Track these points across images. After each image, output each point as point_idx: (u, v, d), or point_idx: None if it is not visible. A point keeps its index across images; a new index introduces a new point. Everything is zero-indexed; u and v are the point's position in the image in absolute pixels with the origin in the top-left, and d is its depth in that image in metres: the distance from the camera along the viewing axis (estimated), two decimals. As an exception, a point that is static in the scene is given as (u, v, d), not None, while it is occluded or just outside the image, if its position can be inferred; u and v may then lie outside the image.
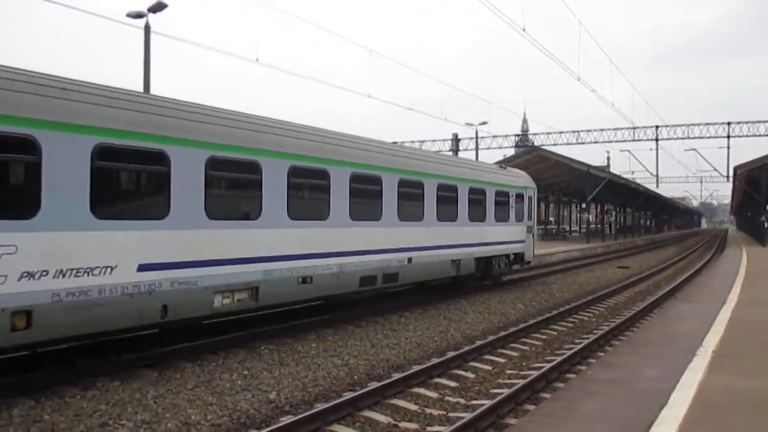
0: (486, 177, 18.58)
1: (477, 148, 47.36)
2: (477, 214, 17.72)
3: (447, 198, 16.30)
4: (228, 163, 10.15)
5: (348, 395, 8.13)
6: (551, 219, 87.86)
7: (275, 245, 10.98)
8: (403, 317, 14.44)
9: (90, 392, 8.20)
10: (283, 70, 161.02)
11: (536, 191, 22.60)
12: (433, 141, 50.65)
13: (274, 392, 8.52)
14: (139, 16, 21.03)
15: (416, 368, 9.59)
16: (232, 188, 10.66)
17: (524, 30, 18.48)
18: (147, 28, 21.13)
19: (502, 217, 19.24)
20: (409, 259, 14.63)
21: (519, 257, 20.89)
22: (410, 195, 14.86)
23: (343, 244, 12.57)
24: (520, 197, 20.65)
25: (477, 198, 17.74)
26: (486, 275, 19.06)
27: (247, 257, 10.40)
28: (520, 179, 21.34)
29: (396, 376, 9.17)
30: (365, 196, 13.46)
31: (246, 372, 9.40)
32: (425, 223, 15.30)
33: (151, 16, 21.09)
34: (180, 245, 9.32)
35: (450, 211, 16.41)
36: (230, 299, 10.13)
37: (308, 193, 12.05)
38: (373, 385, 8.68)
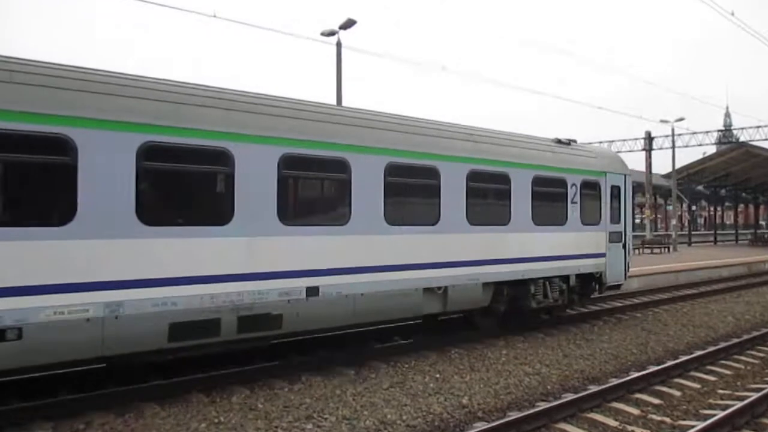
0: (510, 154, 12.13)
1: (673, 147, 43.80)
2: (490, 212, 11.76)
3: (411, 188, 10.57)
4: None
5: (542, 405, 7.92)
6: (762, 222, 78.76)
7: None
8: (596, 326, 13.76)
9: (296, 385, 8.85)
10: (465, 75, 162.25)
11: (628, 179, 15.13)
12: (624, 140, 47.64)
13: (466, 397, 8.55)
14: (331, 34, 22.37)
15: (614, 381, 9.08)
16: None
17: (733, 14, 16.76)
18: (338, 45, 22.39)
19: (550, 217, 12.85)
20: (311, 290, 9.03)
21: (594, 279, 14.13)
22: (312, 182, 9.71)
23: (119, 268, 7.34)
24: (591, 187, 13.84)
25: (488, 188, 11.79)
26: (517, 308, 12.50)
27: None
28: (594, 159, 14.24)
29: (593, 388, 8.76)
30: (187, 185, 8.27)
31: (438, 375, 9.54)
32: (352, 228, 9.60)
33: (342, 33, 22.34)
34: None
35: (421, 208, 10.73)
36: None
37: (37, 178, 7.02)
38: (569, 396, 8.37)
